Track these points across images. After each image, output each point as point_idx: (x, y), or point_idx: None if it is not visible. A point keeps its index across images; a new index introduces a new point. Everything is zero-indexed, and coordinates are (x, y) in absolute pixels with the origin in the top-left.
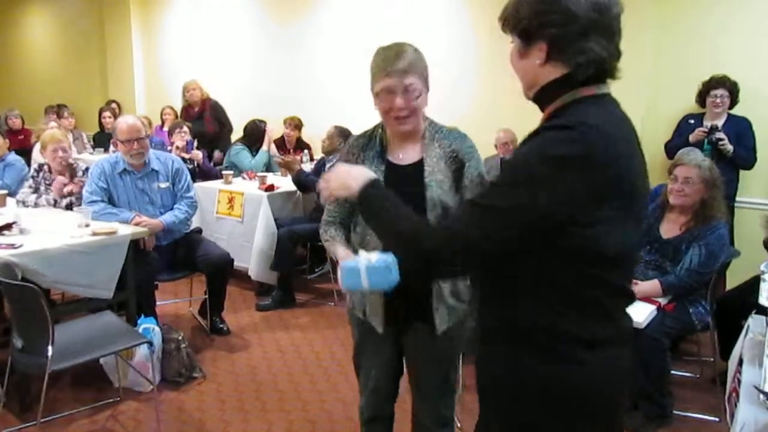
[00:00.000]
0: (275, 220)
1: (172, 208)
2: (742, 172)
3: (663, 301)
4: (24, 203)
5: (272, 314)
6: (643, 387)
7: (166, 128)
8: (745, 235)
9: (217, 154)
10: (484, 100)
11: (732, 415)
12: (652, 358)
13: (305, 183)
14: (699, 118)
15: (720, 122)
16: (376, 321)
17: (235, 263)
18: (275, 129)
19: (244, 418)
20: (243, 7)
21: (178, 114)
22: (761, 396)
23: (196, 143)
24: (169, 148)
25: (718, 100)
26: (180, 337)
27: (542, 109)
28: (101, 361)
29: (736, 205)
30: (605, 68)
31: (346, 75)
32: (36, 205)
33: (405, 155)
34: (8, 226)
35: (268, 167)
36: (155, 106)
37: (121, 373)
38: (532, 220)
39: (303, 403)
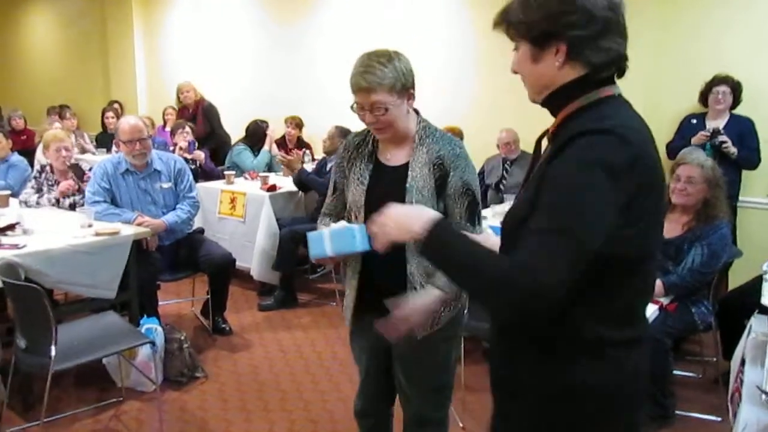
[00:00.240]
0: (277, 220)
1: (174, 209)
2: (744, 172)
3: (665, 301)
4: (26, 203)
5: (274, 314)
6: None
7: (168, 128)
8: (747, 235)
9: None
10: (485, 100)
11: (734, 416)
12: (654, 358)
13: (306, 182)
14: (701, 117)
15: (722, 122)
16: (348, 312)
17: (237, 263)
18: (276, 130)
19: (246, 417)
20: (244, 7)
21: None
22: (764, 396)
23: (197, 143)
24: (171, 148)
25: (720, 97)
26: (182, 337)
27: (554, 112)
28: (104, 361)
29: (738, 204)
30: (621, 67)
31: (346, 75)
32: (38, 204)
33: (393, 157)
34: (11, 227)
35: (270, 167)
36: (157, 107)
37: (124, 373)
38: (602, 232)
39: (305, 403)
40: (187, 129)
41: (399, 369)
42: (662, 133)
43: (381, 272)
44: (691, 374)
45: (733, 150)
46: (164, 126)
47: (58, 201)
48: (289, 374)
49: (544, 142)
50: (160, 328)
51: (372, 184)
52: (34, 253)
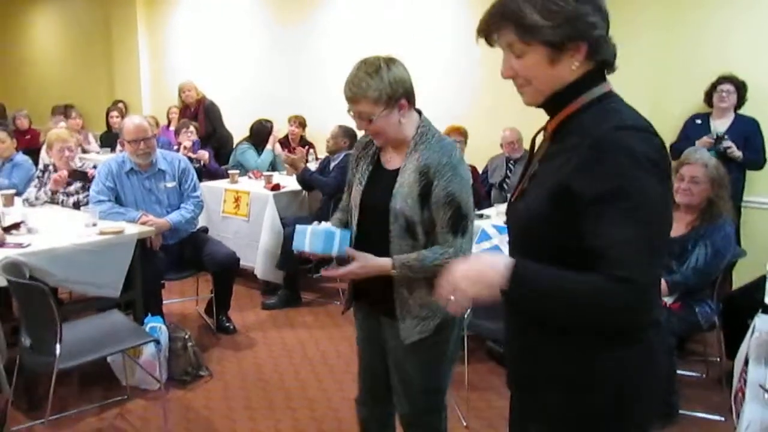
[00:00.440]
0: (281, 219)
1: (178, 208)
2: (749, 171)
3: (669, 300)
4: (28, 201)
5: (278, 313)
6: None
7: (172, 127)
8: (751, 235)
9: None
10: (488, 100)
11: (738, 415)
12: None
13: (310, 182)
14: (706, 117)
15: (727, 121)
16: (349, 305)
17: (241, 262)
18: (280, 130)
19: (250, 416)
20: (247, 7)
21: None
22: (767, 395)
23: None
24: (175, 147)
25: (724, 95)
26: (187, 336)
27: (554, 110)
28: (108, 359)
29: (742, 204)
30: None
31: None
32: (37, 199)
33: (391, 160)
34: (16, 226)
35: (274, 166)
36: (161, 106)
37: (129, 371)
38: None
39: (309, 402)
40: (192, 129)
41: (391, 367)
42: (666, 133)
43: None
44: (694, 373)
45: (738, 154)
46: (168, 125)
47: (53, 193)
48: (294, 373)
49: (538, 139)
50: (164, 327)
51: (368, 185)
52: (38, 252)
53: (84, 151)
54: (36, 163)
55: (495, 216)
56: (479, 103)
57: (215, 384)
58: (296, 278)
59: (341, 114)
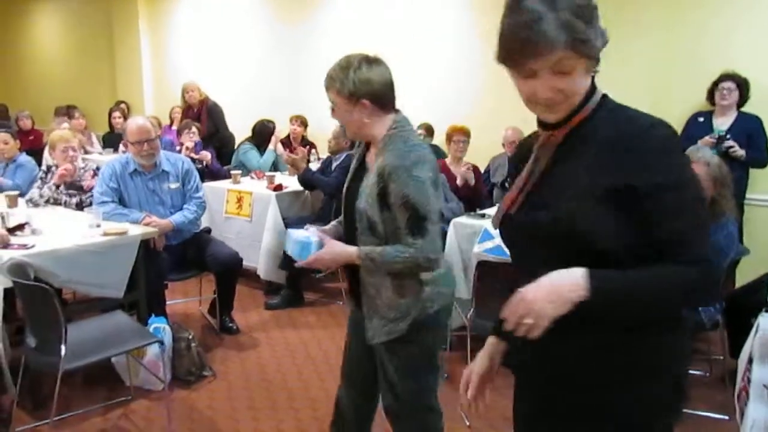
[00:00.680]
0: (283, 219)
1: (181, 209)
2: (751, 169)
3: None
4: (32, 200)
5: (281, 313)
6: None
7: (175, 127)
8: (754, 233)
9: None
10: (490, 99)
11: (742, 414)
12: None
13: (311, 182)
14: (708, 115)
15: (730, 120)
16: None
17: (244, 262)
18: (281, 130)
19: (254, 416)
20: (249, 7)
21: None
22: None
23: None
24: (177, 147)
25: (725, 92)
26: (190, 336)
27: (567, 119)
28: (113, 360)
29: (745, 202)
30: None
31: None
32: (41, 196)
33: (370, 159)
34: (20, 227)
35: (276, 167)
36: (163, 106)
37: (133, 372)
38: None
39: (312, 401)
40: (194, 129)
41: (377, 362)
42: None
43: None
44: (698, 372)
45: (741, 153)
46: (171, 125)
47: (57, 187)
48: (297, 373)
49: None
50: (168, 328)
51: (350, 182)
52: (43, 253)
53: (86, 152)
54: (39, 164)
55: None
56: (481, 103)
57: (219, 384)
58: (299, 278)
59: None
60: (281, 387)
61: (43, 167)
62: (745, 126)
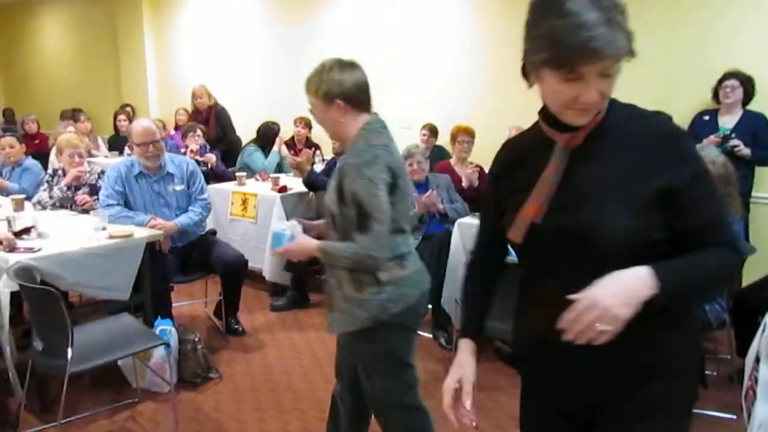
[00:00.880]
0: (288, 220)
1: (187, 211)
2: (757, 168)
3: None
4: (40, 203)
5: (287, 314)
6: None
7: (173, 131)
8: (760, 232)
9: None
10: (493, 99)
11: (749, 413)
12: None
13: (316, 183)
14: (714, 113)
15: (735, 118)
16: None
17: (250, 264)
18: (286, 131)
19: (260, 417)
20: (253, 9)
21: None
22: None
23: (208, 146)
24: (183, 150)
25: (728, 90)
26: (196, 338)
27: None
28: (119, 362)
29: (751, 201)
30: None
31: None
32: (51, 198)
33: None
34: (27, 231)
35: (281, 168)
36: (168, 109)
37: (139, 374)
38: None
39: (318, 403)
40: (198, 132)
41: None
42: None
43: None
44: (705, 372)
45: (746, 152)
46: (176, 128)
47: (69, 188)
48: (302, 374)
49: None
50: (174, 330)
51: (330, 178)
52: (49, 257)
53: (92, 156)
54: (45, 167)
55: None
56: (485, 103)
57: (225, 386)
58: (304, 279)
59: None
60: (287, 388)
61: (49, 170)
62: (751, 124)
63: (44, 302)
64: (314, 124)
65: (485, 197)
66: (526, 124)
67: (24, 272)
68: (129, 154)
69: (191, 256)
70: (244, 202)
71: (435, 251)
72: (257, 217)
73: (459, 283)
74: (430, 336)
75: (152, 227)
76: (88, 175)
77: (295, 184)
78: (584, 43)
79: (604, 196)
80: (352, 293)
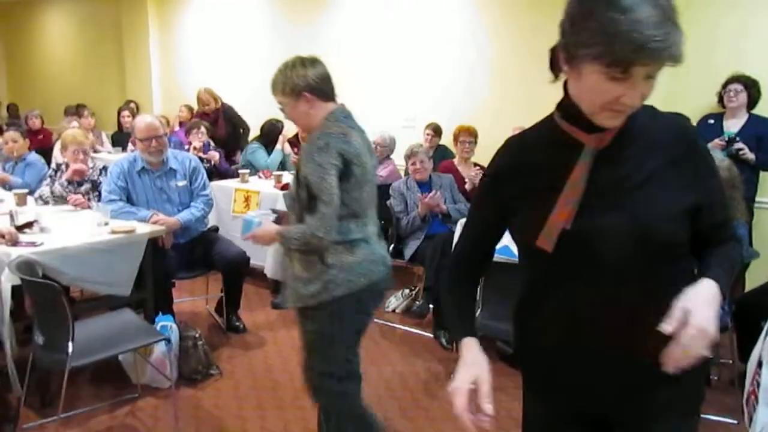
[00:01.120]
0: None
1: (189, 207)
2: (761, 173)
3: None
4: (42, 197)
5: (288, 312)
6: None
7: (177, 128)
8: (764, 236)
9: (238, 156)
10: (496, 99)
11: (750, 418)
12: None
13: None
14: (719, 117)
15: (740, 122)
16: None
17: (251, 261)
18: (290, 130)
19: (260, 414)
20: (257, 7)
21: (193, 114)
22: None
23: (212, 144)
24: (186, 147)
25: (732, 94)
26: (197, 335)
27: None
28: (120, 358)
29: (755, 205)
30: None
31: (358, 74)
32: (52, 193)
33: None
34: (29, 225)
35: (284, 166)
36: (172, 106)
37: (140, 370)
38: None
39: None
40: (202, 129)
41: None
42: None
43: None
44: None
45: (751, 156)
46: (180, 124)
47: (70, 183)
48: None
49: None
50: (175, 326)
51: None
52: (51, 251)
53: (96, 151)
54: (48, 162)
55: None
56: (487, 103)
57: (225, 382)
58: None
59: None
60: (288, 385)
61: (53, 165)
62: (756, 128)
63: (46, 296)
64: None
65: (479, 197)
66: (529, 124)
67: (26, 266)
68: (132, 150)
69: (193, 252)
70: (247, 199)
71: (437, 251)
72: None
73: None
74: (431, 336)
75: (154, 223)
76: (90, 171)
77: None
78: (644, 43)
79: (639, 197)
80: (301, 272)
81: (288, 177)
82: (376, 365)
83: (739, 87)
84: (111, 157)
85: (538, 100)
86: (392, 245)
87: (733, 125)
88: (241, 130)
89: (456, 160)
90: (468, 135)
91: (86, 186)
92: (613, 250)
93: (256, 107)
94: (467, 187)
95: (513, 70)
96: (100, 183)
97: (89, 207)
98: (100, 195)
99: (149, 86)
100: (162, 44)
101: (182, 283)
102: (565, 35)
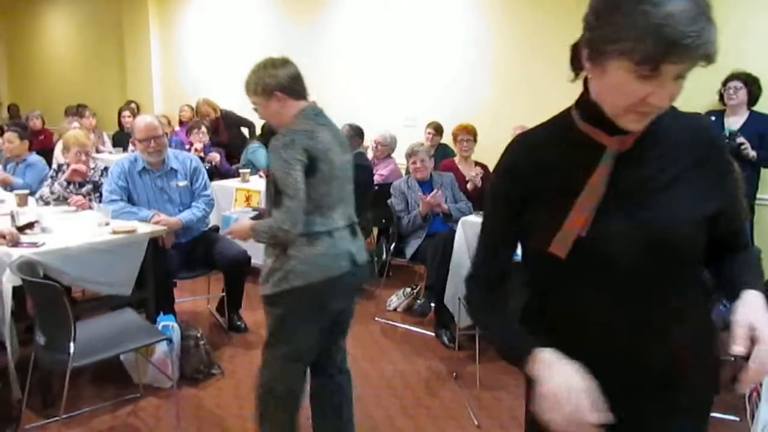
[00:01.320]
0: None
1: (190, 206)
2: (762, 170)
3: None
4: (42, 198)
5: None
6: None
7: (178, 128)
8: (765, 234)
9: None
10: (498, 98)
11: (752, 415)
12: None
13: None
14: (720, 114)
15: (741, 119)
16: None
17: (253, 261)
18: None
19: None
20: (258, 7)
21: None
22: None
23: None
24: (187, 147)
25: (731, 91)
26: (198, 335)
27: None
28: (121, 357)
29: (756, 202)
30: None
31: (359, 74)
32: (52, 193)
33: None
34: (30, 225)
35: None
36: (172, 106)
37: (141, 369)
38: None
39: None
40: (203, 129)
41: None
42: None
43: None
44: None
45: (752, 153)
46: (180, 124)
47: (68, 183)
48: None
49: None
50: (176, 326)
51: None
52: (52, 251)
53: (97, 151)
54: (49, 163)
55: None
56: (488, 102)
57: (227, 382)
58: None
59: (351, 113)
60: None
61: (54, 166)
62: (757, 125)
63: (47, 297)
64: None
65: (491, 201)
66: (531, 123)
67: (27, 267)
68: (133, 150)
69: (194, 252)
70: (248, 198)
71: (439, 250)
72: None
73: (461, 282)
74: (433, 334)
75: (156, 223)
76: (92, 172)
77: None
78: (678, 39)
79: (663, 199)
80: (271, 263)
81: None
82: (378, 364)
83: (738, 84)
84: (112, 158)
85: (539, 99)
86: (393, 244)
87: (734, 122)
88: (248, 129)
89: (457, 159)
90: (466, 133)
91: (88, 187)
92: (628, 254)
93: None
94: (468, 187)
95: (514, 70)
96: (102, 184)
97: (90, 207)
98: (101, 196)
99: (150, 86)
100: (163, 44)
101: (183, 282)
102: (590, 30)
